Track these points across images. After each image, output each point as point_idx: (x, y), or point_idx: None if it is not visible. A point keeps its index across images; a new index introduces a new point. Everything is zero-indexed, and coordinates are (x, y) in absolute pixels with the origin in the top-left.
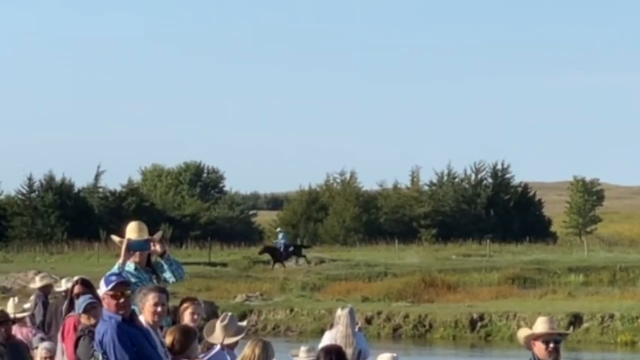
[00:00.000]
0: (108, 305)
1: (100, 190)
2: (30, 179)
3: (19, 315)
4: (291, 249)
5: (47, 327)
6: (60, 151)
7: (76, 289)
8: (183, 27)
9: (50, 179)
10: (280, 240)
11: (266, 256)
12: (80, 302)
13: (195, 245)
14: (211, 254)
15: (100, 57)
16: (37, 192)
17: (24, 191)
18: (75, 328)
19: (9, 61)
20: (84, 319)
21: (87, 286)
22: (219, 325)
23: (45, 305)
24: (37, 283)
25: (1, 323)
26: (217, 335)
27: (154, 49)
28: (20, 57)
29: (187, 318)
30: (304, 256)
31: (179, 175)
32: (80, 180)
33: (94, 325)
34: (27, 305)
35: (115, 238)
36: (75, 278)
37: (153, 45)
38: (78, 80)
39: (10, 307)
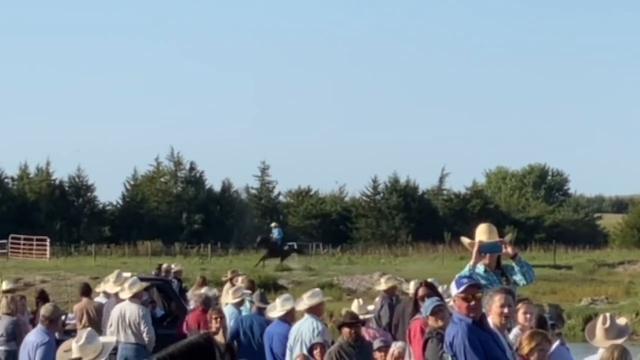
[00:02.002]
0: (459, 308)
1: (445, 192)
2: (375, 180)
3: (365, 317)
4: (286, 247)
5: (393, 328)
6: (405, 152)
7: (420, 292)
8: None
9: (395, 180)
10: (276, 235)
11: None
12: (427, 305)
13: (539, 247)
14: (556, 256)
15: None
16: (381, 194)
17: (369, 193)
18: (422, 330)
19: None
20: (431, 321)
21: (431, 288)
22: (600, 327)
23: (391, 307)
24: (382, 285)
25: (351, 325)
26: (599, 338)
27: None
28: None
29: (520, 318)
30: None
31: (523, 178)
32: (425, 182)
33: (442, 328)
34: (370, 307)
35: (465, 240)
36: (420, 280)
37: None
38: (428, 78)
39: (354, 308)
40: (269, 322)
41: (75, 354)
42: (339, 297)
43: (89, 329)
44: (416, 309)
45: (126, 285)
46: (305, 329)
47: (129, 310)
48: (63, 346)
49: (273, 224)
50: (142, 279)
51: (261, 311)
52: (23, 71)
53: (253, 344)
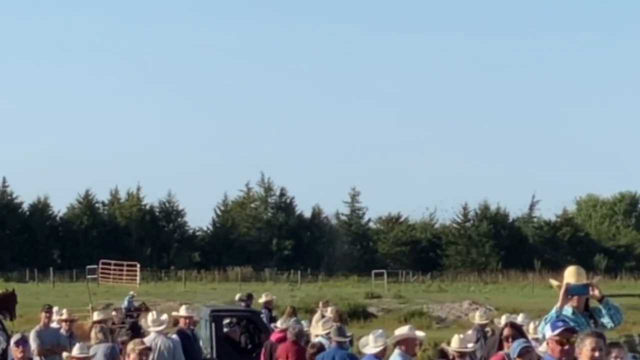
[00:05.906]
0: (552, 351)
1: (535, 219)
2: (465, 207)
3: (463, 350)
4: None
5: None
6: (495, 180)
7: (506, 332)
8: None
9: (485, 208)
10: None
11: None
12: (515, 346)
13: (629, 276)
14: None
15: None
16: (472, 221)
17: (459, 220)
18: None
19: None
20: None
21: (517, 329)
22: None
23: (485, 339)
24: (477, 319)
25: None
26: None
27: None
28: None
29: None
30: None
31: (614, 206)
32: (515, 210)
33: None
34: (470, 345)
35: (553, 282)
36: (507, 321)
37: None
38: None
39: (455, 343)
40: (351, 355)
41: None
42: (429, 326)
43: None
44: (500, 349)
45: (150, 319)
46: None
47: (161, 342)
48: None
49: (131, 292)
50: (232, 311)
51: (341, 345)
52: (115, 98)
53: None
